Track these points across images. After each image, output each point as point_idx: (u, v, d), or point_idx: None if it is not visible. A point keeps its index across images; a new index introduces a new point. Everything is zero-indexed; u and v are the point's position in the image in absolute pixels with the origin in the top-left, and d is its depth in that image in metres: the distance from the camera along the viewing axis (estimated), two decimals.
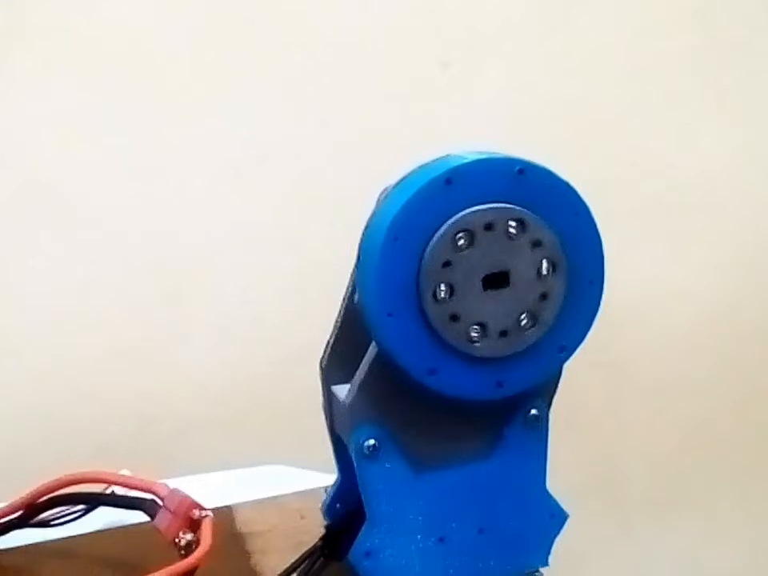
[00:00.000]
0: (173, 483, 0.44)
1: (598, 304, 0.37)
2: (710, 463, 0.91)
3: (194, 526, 0.39)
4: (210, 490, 0.46)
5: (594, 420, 0.86)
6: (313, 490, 0.50)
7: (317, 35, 0.75)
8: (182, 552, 0.39)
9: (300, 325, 0.70)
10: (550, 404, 0.39)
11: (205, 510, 0.40)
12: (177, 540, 0.39)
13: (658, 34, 0.84)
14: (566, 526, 0.41)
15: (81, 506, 0.48)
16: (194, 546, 0.38)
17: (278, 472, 0.60)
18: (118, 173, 0.73)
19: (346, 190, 0.60)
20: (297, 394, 0.52)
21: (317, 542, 0.41)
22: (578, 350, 0.38)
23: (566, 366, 0.39)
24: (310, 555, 0.40)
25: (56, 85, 0.71)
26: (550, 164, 0.36)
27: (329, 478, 0.46)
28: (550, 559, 0.41)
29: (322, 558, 0.40)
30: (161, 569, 0.36)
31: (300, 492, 0.52)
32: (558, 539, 0.41)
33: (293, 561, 0.40)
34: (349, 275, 0.41)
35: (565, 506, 0.41)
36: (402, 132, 0.75)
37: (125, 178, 0.73)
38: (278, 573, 0.40)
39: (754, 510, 0.94)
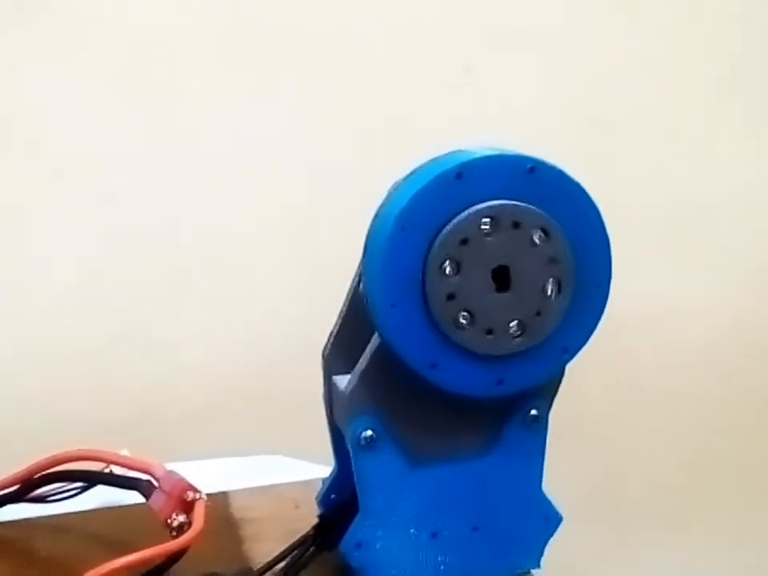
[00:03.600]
0: (171, 468, 0.44)
1: (604, 307, 0.37)
2: (713, 482, 0.90)
3: (188, 507, 0.39)
4: (207, 476, 0.45)
5: (597, 433, 0.85)
6: (310, 481, 0.50)
7: (337, 33, 0.75)
8: (174, 533, 0.39)
9: (304, 315, 0.70)
10: (550, 405, 0.39)
11: (198, 492, 0.40)
12: (169, 521, 0.39)
13: (680, 52, 0.84)
14: (560, 531, 0.41)
15: (78, 484, 0.48)
16: (185, 528, 0.38)
17: (276, 462, 0.60)
18: (131, 163, 0.74)
19: (358, 184, 0.60)
20: (300, 385, 0.52)
21: (309, 531, 0.41)
22: (584, 359, 0.37)
23: (573, 379, 0.39)
24: (301, 544, 0.40)
25: (78, 76, 0.72)
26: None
27: (328, 470, 0.46)
28: (544, 565, 0.41)
29: (313, 547, 0.40)
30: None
31: (297, 482, 0.52)
32: (553, 546, 0.41)
33: (284, 548, 0.40)
34: (356, 268, 0.40)
35: (564, 515, 0.40)
36: (419, 131, 0.75)
37: (138, 168, 0.74)
38: (269, 560, 0.40)
39: (755, 531, 0.93)
